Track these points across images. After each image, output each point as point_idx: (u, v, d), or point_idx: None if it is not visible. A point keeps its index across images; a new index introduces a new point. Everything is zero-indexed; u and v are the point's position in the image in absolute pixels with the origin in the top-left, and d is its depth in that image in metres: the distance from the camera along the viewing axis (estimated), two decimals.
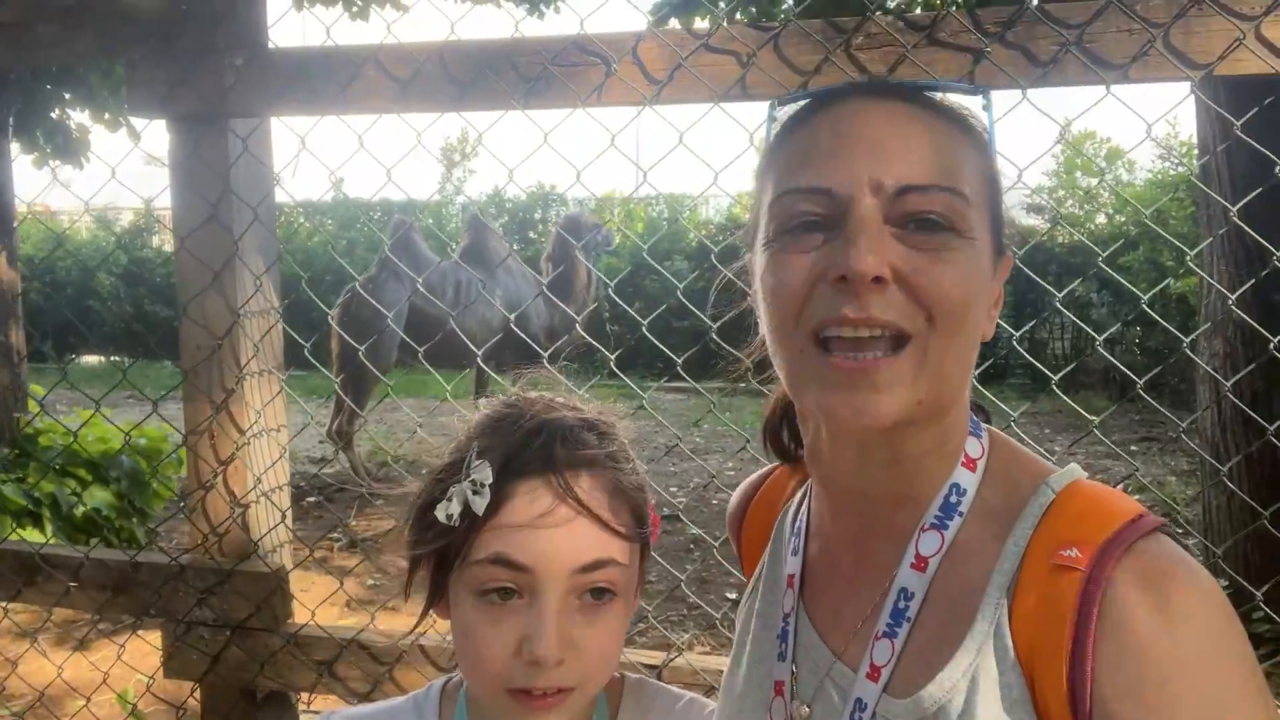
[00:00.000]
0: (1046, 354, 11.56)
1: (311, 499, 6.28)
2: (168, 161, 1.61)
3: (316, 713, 3.06)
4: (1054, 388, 1.39)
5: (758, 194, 0.77)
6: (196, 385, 1.62)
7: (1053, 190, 12.51)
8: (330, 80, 1.49)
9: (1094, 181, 12.41)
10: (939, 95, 0.75)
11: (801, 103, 0.76)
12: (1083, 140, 12.54)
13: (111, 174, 1.79)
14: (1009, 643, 0.67)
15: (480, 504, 0.74)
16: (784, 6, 4.82)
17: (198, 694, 1.69)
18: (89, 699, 2.11)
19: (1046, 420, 9.06)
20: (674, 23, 5.03)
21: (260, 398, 1.64)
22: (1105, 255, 1.59)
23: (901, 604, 0.72)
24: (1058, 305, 1.50)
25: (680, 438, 1.65)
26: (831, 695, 0.75)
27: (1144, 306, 1.50)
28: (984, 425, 0.79)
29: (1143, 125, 1.29)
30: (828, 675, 0.76)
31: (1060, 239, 11.97)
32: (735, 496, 0.98)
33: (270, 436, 1.66)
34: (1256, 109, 1.24)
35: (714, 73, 1.36)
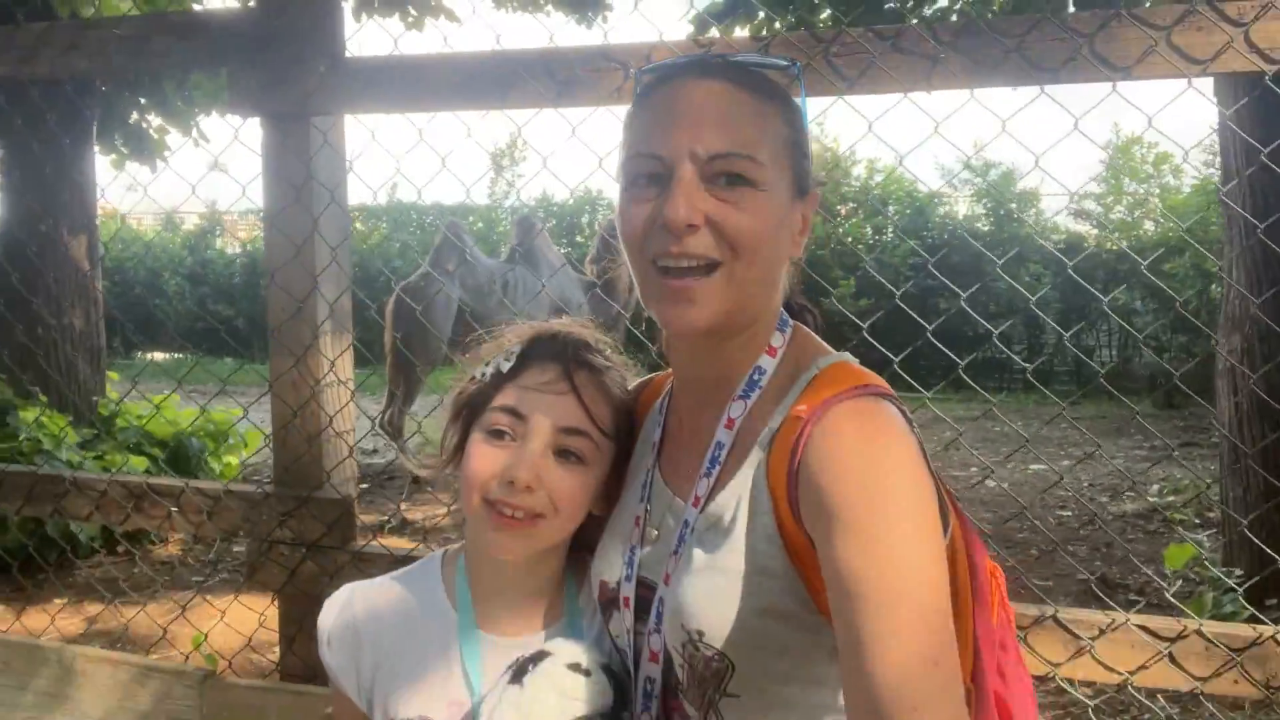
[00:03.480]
0: (1093, 360, 11.55)
1: (364, 486, 6.62)
2: (260, 152, 1.92)
3: None
4: (1106, 383, 1.60)
5: (623, 142, 1.01)
6: (280, 341, 1.92)
7: (1101, 196, 12.48)
8: (397, 83, 1.78)
9: (1140, 188, 12.35)
10: (756, 70, 0.97)
11: (658, 74, 1.00)
12: (1129, 145, 12.48)
13: (214, 162, 2.11)
14: (764, 473, 0.93)
15: (506, 365, 1.05)
16: (823, 16, 5.07)
17: (277, 608, 1.98)
18: (165, 628, 2.40)
19: (1089, 425, 9.07)
20: (714, 31, 5.31)
21: (333, 351, 1.93)
22: (1147, 263, 1.78)
23: (716, 452, 0.99)
24: (1105, 309, 1.71)
25: None
26: (670, 522, 1.02)
27: (1181, 310, 1.70)
28: (792, 323, 1.04)
29: (1187, 131, 1.51)
30: (669, 508, 1.03)
31: (1109, 245, 11.95)
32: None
33: (341, 385, 1.95)
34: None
35: None
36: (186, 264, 15.07)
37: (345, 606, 1.13)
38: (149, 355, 13.94)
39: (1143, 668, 1.47)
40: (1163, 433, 8.65)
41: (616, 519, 1.11)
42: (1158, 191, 12.33)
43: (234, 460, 5.81)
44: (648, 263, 0.95)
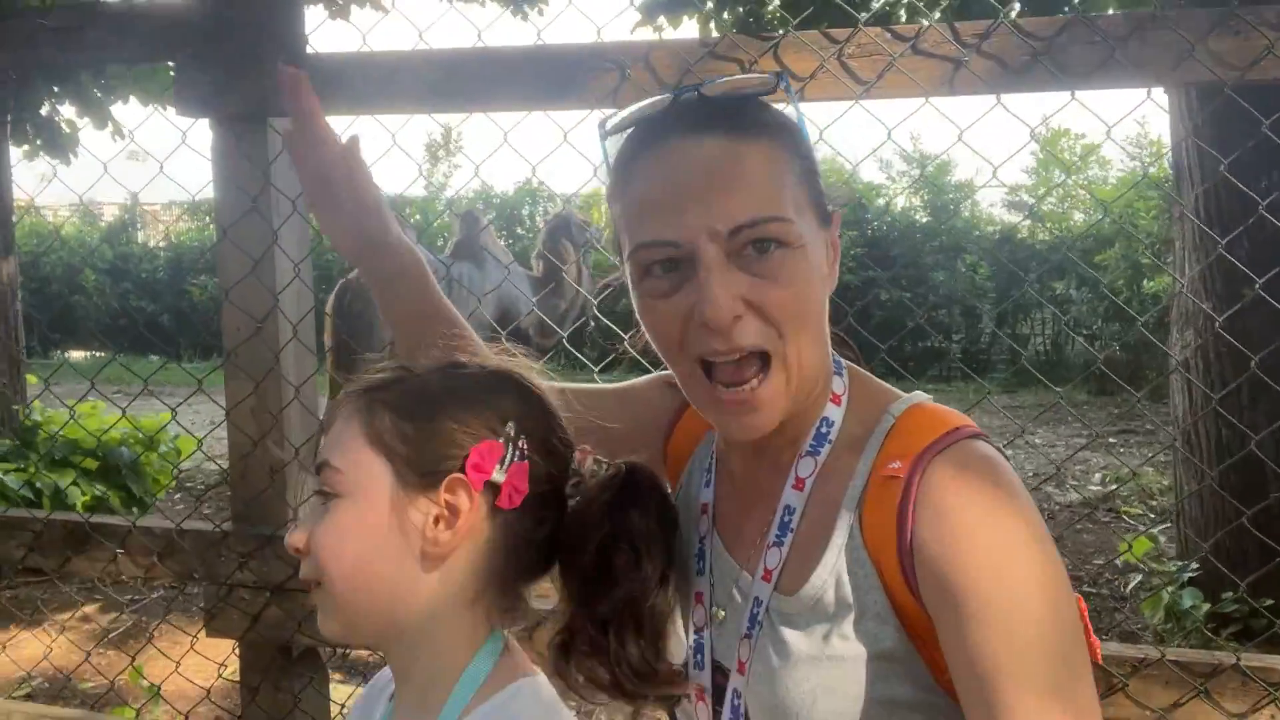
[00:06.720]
0: (1029, 349, 11.78)
1: None
2: (210, 158, 1.73)
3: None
4: (1034, 373, 1.53)
5: (615, 220, 0.88)
6: (237, 364, 1.75)
7: (1032, 188, 12.71)
8: (367, 83, 1.62)
9: (1069, 179, 12.63)
10: (747, 108, 0.85)
11: (631, 134, 0.87)
12: (1057, 138, 12.71)
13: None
14: (860, 543, 0.83)
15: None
16: (770, 6, 4.98)
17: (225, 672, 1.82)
18: (113, 681, 2.19)
19: (1027, 413, 9.21)
20: (663, 20, 5.19)
21: (297, 376, 1.76)
22: (1079, 254, 1.72)
23: (786, 518, 0.88)
24: (1038, 298, 1.64)
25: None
26: (737, 598, 0.90)
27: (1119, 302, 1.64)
28: (843, 362, 0.94)
29: (1112, 125, 1.45)
30: (735, 583, 0.91)
31: (1041, 236, 12.18)
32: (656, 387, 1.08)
33: (306, 412, 1.79)
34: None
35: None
36: (107, 258, 14.44)
37: (369, 689, 1.01)
38: (67, 353, 13.33)
39: (1177, 704, 1.41)
40: (1099, 420, 8.80)
41: (677, 594, 0.99)
42: (1084, 180, 12.61)
43: (169, 470, 5.54)
44: (692, 363, 0.85)
